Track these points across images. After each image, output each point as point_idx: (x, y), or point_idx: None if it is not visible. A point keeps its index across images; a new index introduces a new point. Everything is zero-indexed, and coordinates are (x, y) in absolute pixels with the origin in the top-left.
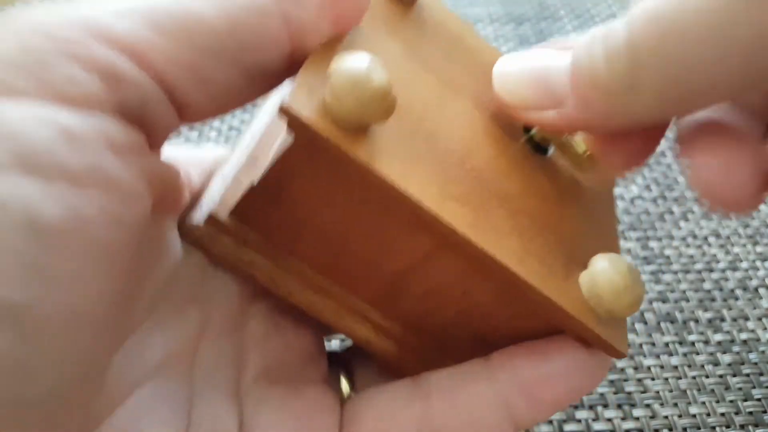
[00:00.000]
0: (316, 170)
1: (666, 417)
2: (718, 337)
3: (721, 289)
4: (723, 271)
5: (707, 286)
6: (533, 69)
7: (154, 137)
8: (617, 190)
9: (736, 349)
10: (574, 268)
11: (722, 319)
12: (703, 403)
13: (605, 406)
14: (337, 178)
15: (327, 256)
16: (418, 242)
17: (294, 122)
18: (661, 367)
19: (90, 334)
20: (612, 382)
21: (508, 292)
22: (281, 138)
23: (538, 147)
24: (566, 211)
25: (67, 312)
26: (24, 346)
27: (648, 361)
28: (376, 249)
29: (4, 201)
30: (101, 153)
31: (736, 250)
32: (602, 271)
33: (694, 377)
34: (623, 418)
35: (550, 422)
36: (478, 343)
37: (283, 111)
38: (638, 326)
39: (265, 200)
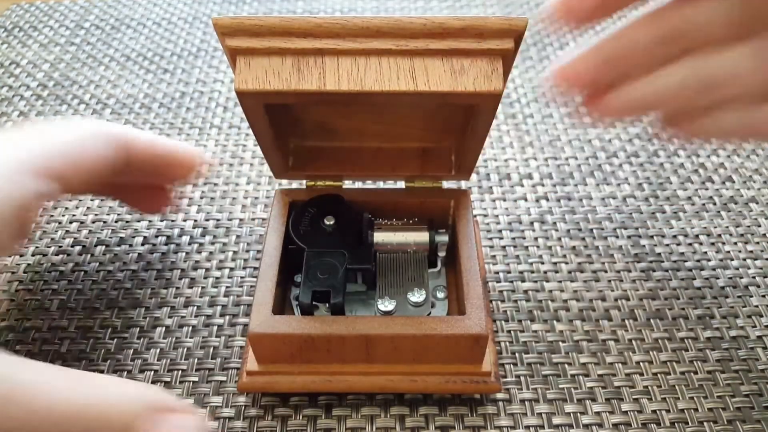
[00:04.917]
0: None
1: (654, 411)
2: (708, 333)
3: (711, 287)
4: (713, 269)
5: (698, 283)
6: None
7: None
8: (608, 189)
9: (725, 345)
10: None
11: (712, 317)
12: (691, 398)
13: (593, 400)
14: None
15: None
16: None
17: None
18: (650, 362)
19: None
20: (601, 376)
21: None
22: None
23: None
24: None
25: None
26: None
27: (637, 357)
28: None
29: None
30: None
31: (727, 248)
32: None
33: (682, 373)
34: (611, 412)
35: (539, 415)
36: None
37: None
38: (628, 323)
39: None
